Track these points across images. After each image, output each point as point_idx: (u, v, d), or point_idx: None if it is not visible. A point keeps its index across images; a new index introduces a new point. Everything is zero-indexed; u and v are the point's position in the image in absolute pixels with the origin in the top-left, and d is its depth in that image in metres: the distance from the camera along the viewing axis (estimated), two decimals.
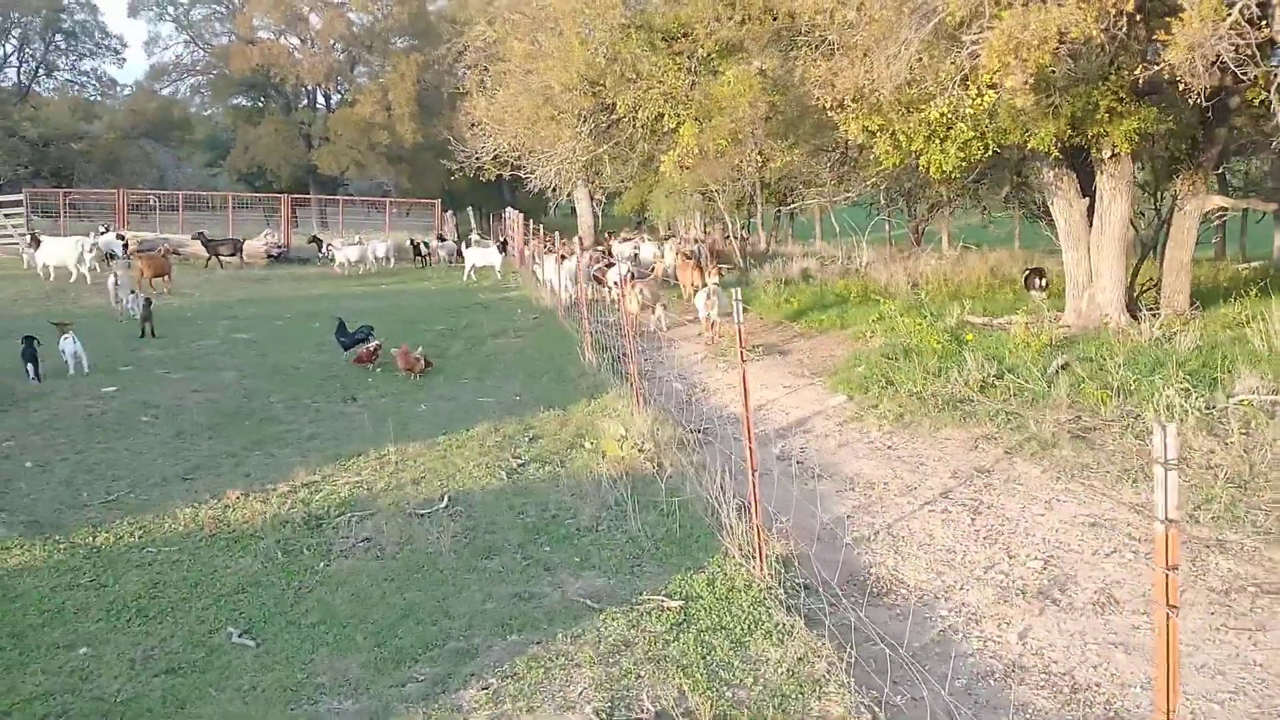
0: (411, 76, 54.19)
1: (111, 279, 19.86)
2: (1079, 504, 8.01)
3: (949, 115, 11.50)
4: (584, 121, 16.45)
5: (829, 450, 10.04)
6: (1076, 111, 13.42)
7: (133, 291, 19.62)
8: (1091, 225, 15.47)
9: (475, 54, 18.68)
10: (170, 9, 61.42)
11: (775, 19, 14.95)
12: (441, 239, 36.67)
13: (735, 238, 34.09)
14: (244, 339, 17.51)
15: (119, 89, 65.19)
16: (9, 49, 60.83)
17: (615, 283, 21.04)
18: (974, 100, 10.71)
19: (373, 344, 14.78)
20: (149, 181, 59.20)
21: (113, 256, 29.59)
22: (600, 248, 29.65)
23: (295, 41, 59.27)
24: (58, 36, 61.18)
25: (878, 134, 13.59)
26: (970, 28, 10.45)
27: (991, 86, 10.42)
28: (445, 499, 8.34)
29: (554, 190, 23.30)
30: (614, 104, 15.66)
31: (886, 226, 37.93)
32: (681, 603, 6.17)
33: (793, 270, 26.09)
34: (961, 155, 13.61)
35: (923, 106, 12.46)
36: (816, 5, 11.68)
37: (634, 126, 16.33)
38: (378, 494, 8.58)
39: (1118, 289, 15.27)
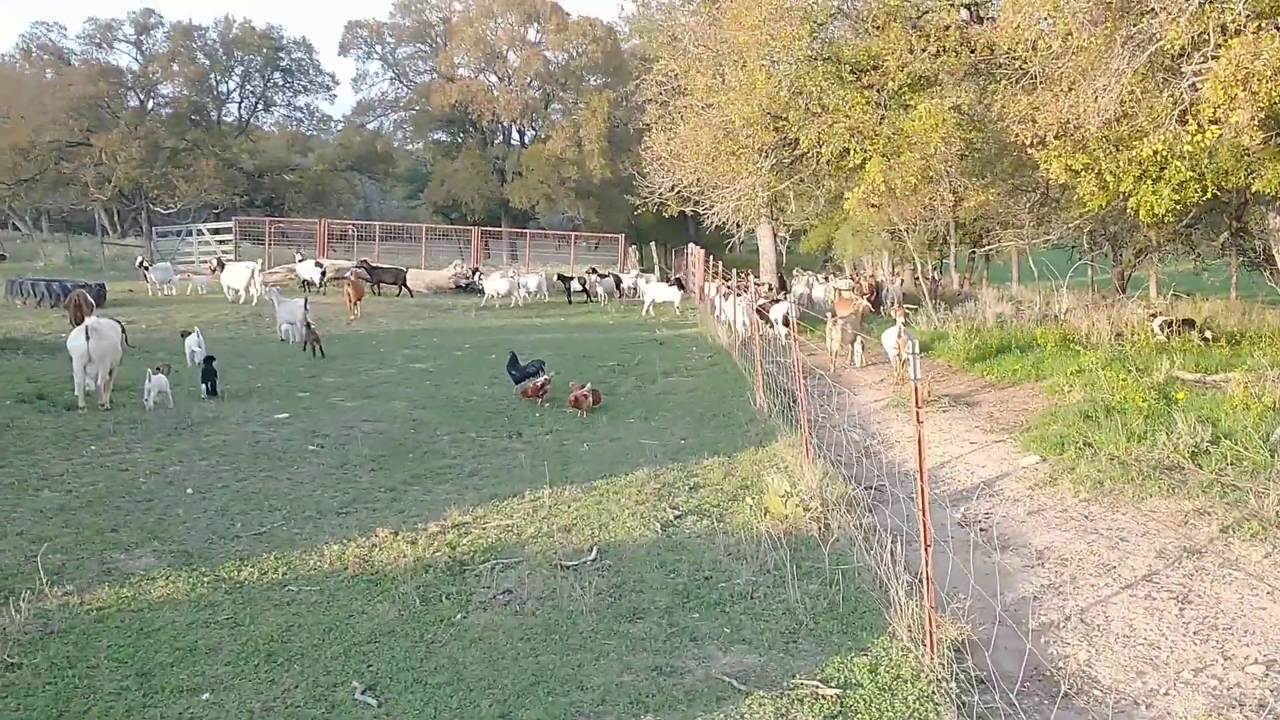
0: (603, 113, 55.00)
1: (300, 308, 20.33)
2: None
3: (1163, 153, 10.44)
4: (765, 157, 15.93)
5: (1017, 518, 9.13)
6: None
7: (293, 322, 20.20)
8: None
9: (657, 88, 18.43)
10: (378, 48, 64.37)
11: (973, 51, 14.12)
12: (599, 274, 35.58)
13: (924, 278, 32.84)
14: (420, 369, 17.67)
15: (332, 124, 68.75)
16: (231, 85, 64.93)
17: (776, 320, 20.49)
18: (1193, 137, 9.64)
19: (541, 379, 14.60)
20: (356, 212, 62.17)
21: (310, 284, 30.91)
22: (767, 283, 29.02)
23: (493, 79, 61.12)
24: (276, 74, 64.92)
25: (1082, 173, 12.59)
26: (1191, 58, 9.44)
27: (1214, 122, 9.34)
28: (594, 551, 7.90)
29: (736, 226, 22.82)
30: (797, 139, 15.08)
31: (1090, 271, 35.93)
32: (838, 691, 5.51)
33: (986, 315, 24.86)
34: (1176, 198, 12.46)
35: (1133, 144, 11.43)
36: (1015, 35, 10.83)
37: (818, 162, 15.71)
38: (526, 540, 8.22)
39: None
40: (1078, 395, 13.57)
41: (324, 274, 31.47)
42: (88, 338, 12.69)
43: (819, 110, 14.33)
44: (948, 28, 13.99)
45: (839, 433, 12.45)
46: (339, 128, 67.19)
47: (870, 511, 8.96)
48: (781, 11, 13.55)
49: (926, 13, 14.60)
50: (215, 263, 31.01)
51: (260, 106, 66.68)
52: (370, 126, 66.04)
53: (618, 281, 34.76)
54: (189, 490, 9.62)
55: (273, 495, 9.61)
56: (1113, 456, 10.33)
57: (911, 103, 14.29)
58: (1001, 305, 29.32)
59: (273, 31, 62.90)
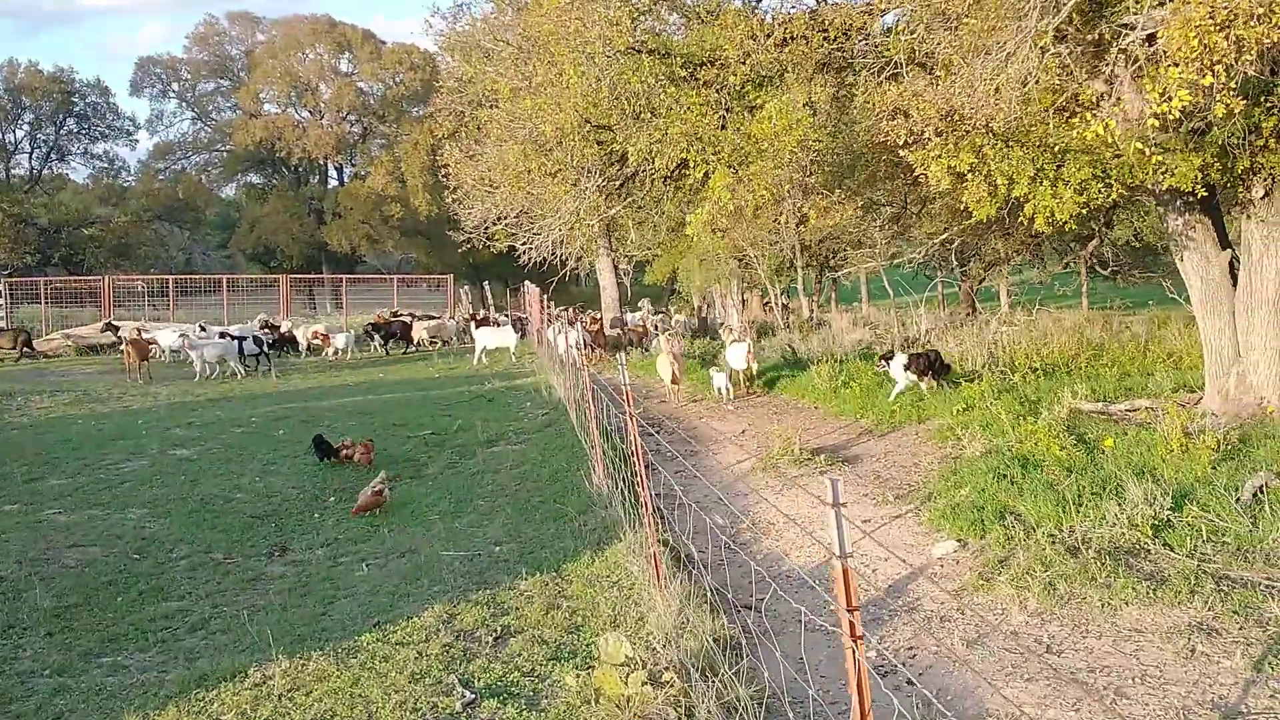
0: (425, 146, 51.60)
1: None
2: None
3: (1115, 134, 8.03)
4: (589, 176, 13.17)
5: (953, 654, 6.49)
6: (1232, 137, 10.06)
7: None
8: (1237, 285, 12.05)
9: (447, 96, 15.44)
10: (174, 85, 59.57)
11: (827, 37, 11.69)
12: (272, 327, 30.21)
13: (776, 306, 30.70)
14: (182, 456, 14.21)
15: (134, 170, 63.43)
16: (19, 135, 59.29)
17: (570, 346, 18.13)
18: (1158, 104, 7.19)
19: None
20: (176, 265, 57.12)
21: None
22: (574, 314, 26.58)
23: (304, 114, 57.05)
24: (69, 120, 59.53)
25: (969, 176, 10.26)
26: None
27: (1185, 86, 6.90)
28: None
29: (561, 261, 19.99)
30: (625, 153, 12.40)
31: (939, 288, 34.55)
32: None
33: (846, 344, 22.72)
34: (1079, 199, 10.27)
35: (1066, 124, 9.10)
36: None
37: (653, 180, 13.07)
38: None
39: (1277, 364, 11.77)
40: (978, 444, 11.20)
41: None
42: None
43: (648, 115, 11.66)
44: (794, 9, 11.55)
45: (699, 511, 9.70)
46: (138, 175, 61.94)
47: (748, 655, 6.22)
48: None
49: None
50: None
51: (55, 156, 61.04)
52: (173, 170, 60.97)
53: (268, 339, 27.24)
54: None
55: None
56: (1053, 537, 7.88)
57: (758, 102, 11.79)
58: (858, 331, 27.47)
59: (63, 74, 57.60)
